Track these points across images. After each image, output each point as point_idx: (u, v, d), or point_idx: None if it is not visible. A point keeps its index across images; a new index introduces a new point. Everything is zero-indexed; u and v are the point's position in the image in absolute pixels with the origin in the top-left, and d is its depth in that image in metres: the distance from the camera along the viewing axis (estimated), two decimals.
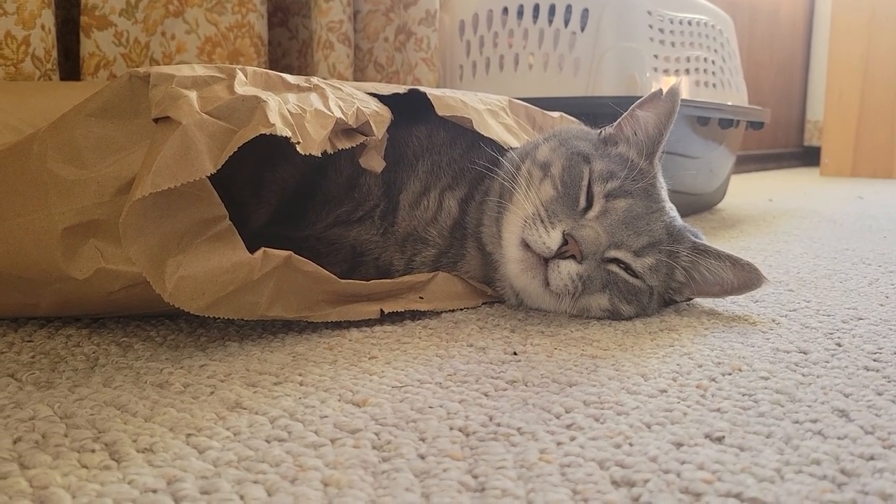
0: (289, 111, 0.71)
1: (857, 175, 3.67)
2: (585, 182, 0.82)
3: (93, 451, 0.49)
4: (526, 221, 0.81)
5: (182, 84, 0.67)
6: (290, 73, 1.60)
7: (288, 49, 1.70)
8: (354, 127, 0.79)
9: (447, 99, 0.92)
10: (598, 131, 0.93)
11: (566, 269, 0.78)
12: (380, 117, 0.83)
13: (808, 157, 4.49)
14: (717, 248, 0.85)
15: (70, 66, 1.36)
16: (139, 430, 0.52)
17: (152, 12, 1.37)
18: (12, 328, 0.76)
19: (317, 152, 0.71)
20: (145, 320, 0.80)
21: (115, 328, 0.77)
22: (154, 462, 0.47)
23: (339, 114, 0.76)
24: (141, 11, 1.36)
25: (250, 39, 1.47)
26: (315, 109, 0.74)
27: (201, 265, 0.66)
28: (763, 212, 1.99)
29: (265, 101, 0.68)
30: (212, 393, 0.59)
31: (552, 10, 1.55)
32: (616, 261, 0.81)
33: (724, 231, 1.57)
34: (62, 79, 1.33)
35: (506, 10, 1.61)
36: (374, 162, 0.83)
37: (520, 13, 1.60)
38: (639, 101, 0.90)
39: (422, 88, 0.91)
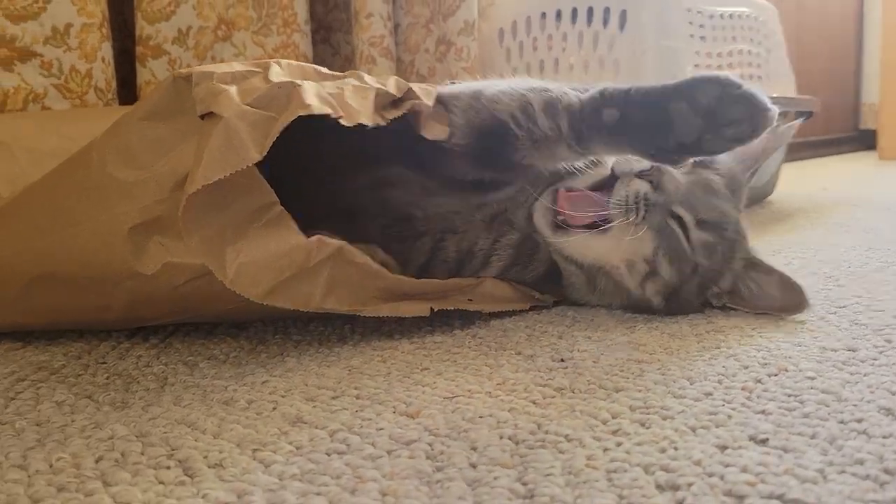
0: (327, 93, 0.73)
1: None
2: None
3: (168, 467, 0.53)
4: None
5: (222, 80, 0.71)
6: None
7: (331, 65, 1.74)
8: (399, 96, 0.81)
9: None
10: None
11: (635, 186, 0.83)
12: (425, 90, 0.85)
13: (864, 140, 4.37)
14: (770, 265, 0.86)
15: (127, 94, 1.42)
16: (209, 446, 0.56)
17: (202, 39, 1.43)
18: (86, 350, 0.81)
19: (368, 122, 0.74)
20: (208, 338, 0.84)
21: (180, 347, 0.81)
22: (224, 477, 0.51)
23: (378, 85, 0.79)
24: (191, 38, 1.41)
25: (296, 58, 1.51)
26: (354, 86, 0.77)
27: (260, 250, 0.70)
28: (816, 202, 1.96)
29: (300, 86, 0.71)
30: (274, 408, 0.63)
31: (590, 12, 1.56)
32: (678, 218, 0.84)
33: (775, 225, 1.56)
34: (121, 105, 1.39)
35: (544, 14, 1.62)
36: (437, 130, 0.84)
37: (558, 17, 1.61)
38: None
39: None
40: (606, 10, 1.55)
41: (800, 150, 3.73)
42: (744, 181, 0.93)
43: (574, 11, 1.58)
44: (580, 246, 0.87)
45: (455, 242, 0.90)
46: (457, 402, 0.62)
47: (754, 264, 0.87)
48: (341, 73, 0.82)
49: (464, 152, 0.86)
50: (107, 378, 0.73)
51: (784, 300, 0.84)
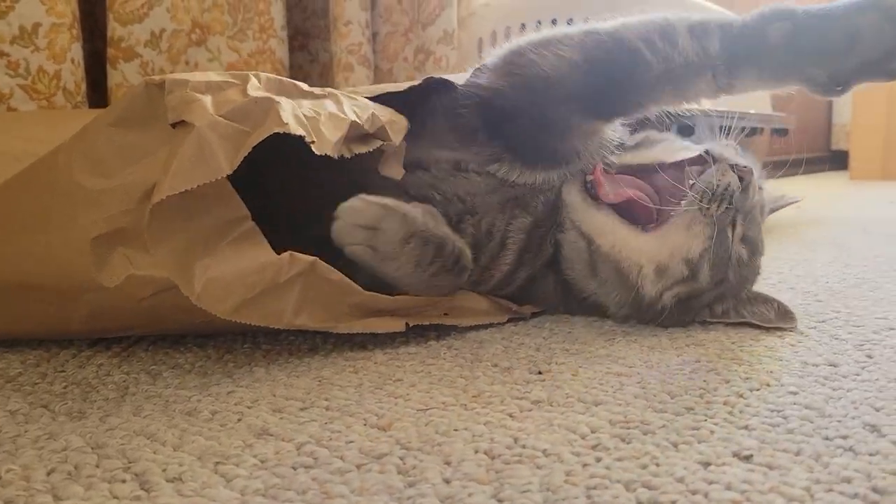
0: (303, 114, 0.72)
1: (887, 178, 3.61)
2: None
3: (123, 481, 0.50)
4: None
5: (196, 89, 0.68)
6: None
7: (309, 72, 1.72)
8: (371, 132, 0.79)
9: (463, 76, 0.92)
10: None
11: (728, 177, 0.79)
12: (396, 125, 0.83)
13: (837, 160, 4.43)
14: (767, 295, 0.86)
15: (98, 97, 1.39)
16: (168, 459, 0.53)
17: (176, 42, 1.40)
18: (44, 358, 0.78)
19: (332, 153, 0.72)
20: (174, 347, 0.81)
21: (144, 356, 0.78)
22: (183, 491, 0.48)
23: (354, 117, 0.76)
24: (165, 42, 1.39)
25: (272, 64, 1.49)
26: (329, 113, 0.75)
27: (229, 266, 0.68)
28: (791, 219, 1.96)
29: (278, 103, 0.69)
30: (239, 420, 0.60)
31: (570, 23, 1.56)
32: (735, 227, 0.81)
33: None
34: (91, 109, 1.36)
35: (524, 26, 1.62)
36: (394, 170, 0.83)
37: (538, 28, 1.61)
38: None
39: (437, 75, 0.92)
40: (586, 23, 1.54)
41: (774, 168, 3.77)
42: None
43: (554, 22, 1.58)
44: (617, 238, 0.82)
45: (473, 224, 0.86)
46: (430, 414, 0.60)
47: (759, 298, 0.86)
48: (320, 91, 0.79)
49: (575, 94, 0.78)
50: (64, 387, 0.70)
51: (777, 320, 0.84)
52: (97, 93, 1.37)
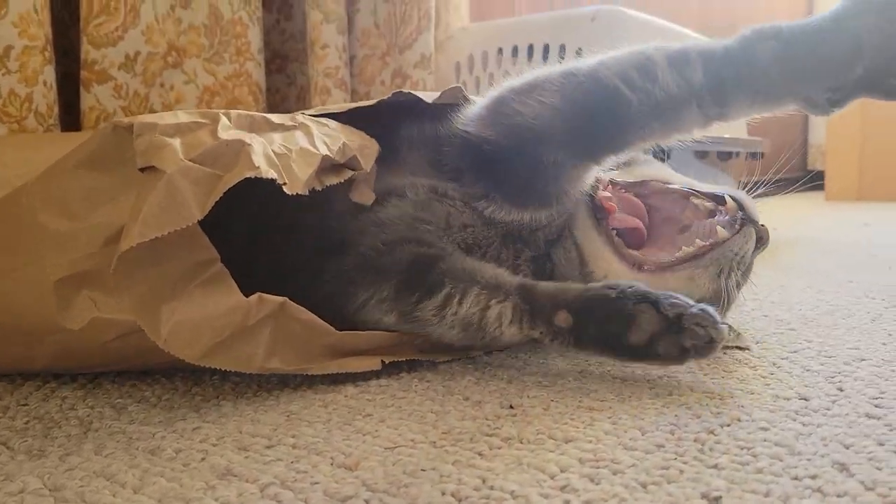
0: (274, 152, 0.71)
1: (862, 199, 3.66)
2: None
3: None
4: None
5: (165, 132, 0.68)
6: None
7: (286, 95, 1.72)
8: (342, 162, 0.79)
9: (432, 94, 0.92)
10: None
11: (752, 242, 0.85)
12: (367, 150, 0.83)
13: (813, 181, 4.47)
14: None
15: (71, 119, 1.37)
16: (127, 502, 0.52)
17: (151, 65, 1.39)
18: (8, 391, 0.76)
19: (303, 192, 0.71)
20: (141, 379, 0.79)
21: (110, 388, 0.77)
22: None
23: (325, 150, 0.76)
24: (140, 65, 1.38)
25: (248, 88, 1.49)
26: (300, 148, 0.74)
27: (196, 310, 0.67)
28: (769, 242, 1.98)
29: (249, 145, 0.68)
30: (203, 459, 0.59)
31: (546, 50, 1.57)
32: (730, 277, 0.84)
33: None
34: (63, 132, 1.34)
35: (500, 50, 1.62)
36: (365, 196, 0.82)
37: (514, 53, 1.61)
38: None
39: (405, 90, 0.92)
40: (562, 48, 1.55)
41: (750, 189, 3.80)
42: None
43: (530, 48, 1.58)
44: (611, 270, 0.83)
45: (480, 256, 0.85)
46: (399, 452, 0.59)
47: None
48: (291, 122, 0.78)
49: (562, 140, 0.78)
50: (26, 422, 0.68)
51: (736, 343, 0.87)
52: (70, 115, 1.36)
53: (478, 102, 0.86)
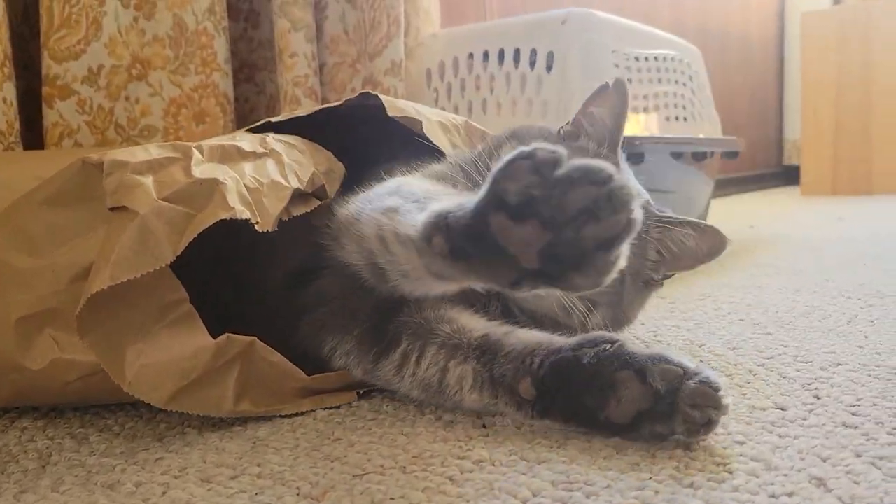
0: (246, 186, 0.70)
1: (837, 193, 3.68)
2: None
3: None
4: None
5: (137, 170, 0.66)
6: None
7: (256, 104, 1.69)
8: (310, 192, 0.78)
9: (399, 103, 0.91)
10: (558, 129, 0.92)
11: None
12: (333, 175, 0.83)
13: (789, 176, 4.51)
14: (679, 217, 0.85)
15: (33, 136, 1.34)
16: None
17: (115, 78, 1.36)
18: None
19: (273, 228, 0.70)
20: (104, 406, 0.77)
21: (72, 417, 0.75)
22: None
23: (295, 182, 0.76)
24: (103, 78, 1.35)
25: (216, 99, 1.46)
26: (272, 181, 0.73)
27: (163, 352, 0.65)
28: (743, 240, 1.98)
29: (223, 184, 0.67)
30: (164, 493, 0.57)
31: (517, 54, 1.55)
32: None
33: (704, 266, 1.56)
34: (25, 150, 1.31)
35: (471, 55, 1.61)
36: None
37: (485, 58, 1.60)
38: (590, 97, 0.91)
39: (373, 92, 0.90)
40: (533, 52, 1.54)
41: (726, 186, 3.82)
42: None
43: (501, 53, 1.57)
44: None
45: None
46: (367, 480, 0.57)
47: (667, 222, 0.83)
48: (261, 146, 0.77)
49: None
50: None
51: (707, 246, 0.85)
52: (32, 132, 1.32)
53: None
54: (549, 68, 1.53)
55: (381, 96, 0.90)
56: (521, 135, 0.89)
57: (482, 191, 0.53)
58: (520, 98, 1.55)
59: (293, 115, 0.88)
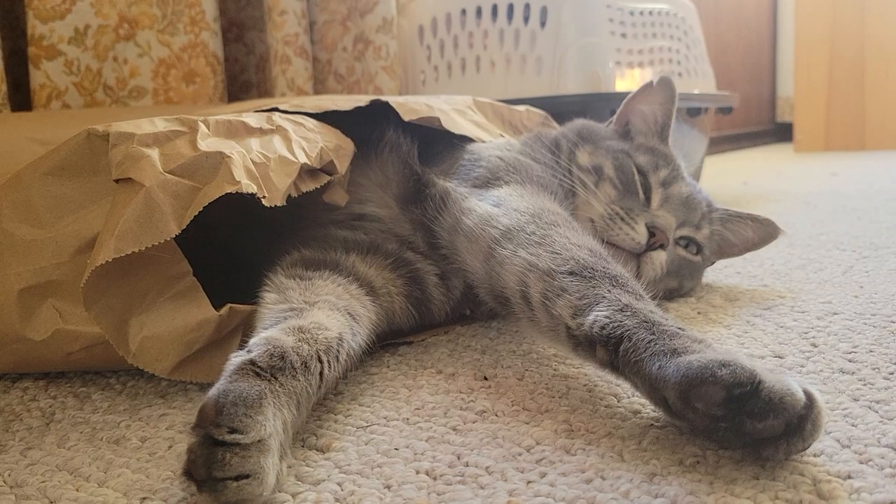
0: (253, 161, 0.69)
1: (830, 149, 3.68)
2: (637, 176, 0.87)
3: None
4: (601, 220, 0.83)
5: (143, 142, 0.65)
6: (250, 90, 1.56)
7: (246, 65, 1.67)
8: (319, 168, 0.77)
9: (410, 104, 0.90)
10: (606, 124, 1.00)
11: (658, 260, 0.83)
12: (342, 151, 0.81)
13: (782, 133, 4.51)
14: (738, 210, 0.96)
15: (21, 98, 1.32)
16: (91, 497, 0.50)
17: (102, 38, 1.34)
18: None
19: (282, 203, 0.69)
20: None
21: (73, 377, 0.75)
22: None
23: (303, 158, 0.74)
24: (90, 38, 1.33)
25: (205, 59, 1.44)
26: (279, 156, 0.72)
27: (165, 324, 0.65)
28: (738, 196, 1.98)
29: (229, 157, 0.66)
30: (170, 447, 0.57)
31: (510, 9, 1.53)
32: (682, 238, 0.89)
33: None
34: (13, 111, 1.29)
35: (464, 11, 1.59)
36: (338, 196, 0.81)
37: (478, 14, 1.58)
38: (633, 95, 0.99)
39: (384, 98, 0.89)
40: (527, 7, 1.52)
41: (720, 143, 3.81)
42: None
43: (494, 8, 1.55)
44: None
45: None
46: (371, 431, 0.58)
47: (732, 215, 0.95)
48: (269, 125, 0.75)
49: None
50: None
51: (759, 236, 0.96)
52: (19, 94, 1.31)
53: (462, 202, 0.78)
54: (542, 24, 1.51)
55: (391, 101, 0.88)
56: (590, 137, 0.94)
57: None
58: (513, 54, 1.53)
59: (300, 109, 0.86)
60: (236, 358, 0.54)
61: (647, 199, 0.87)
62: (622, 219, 0.82)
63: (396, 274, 0.79)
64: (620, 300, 0.57)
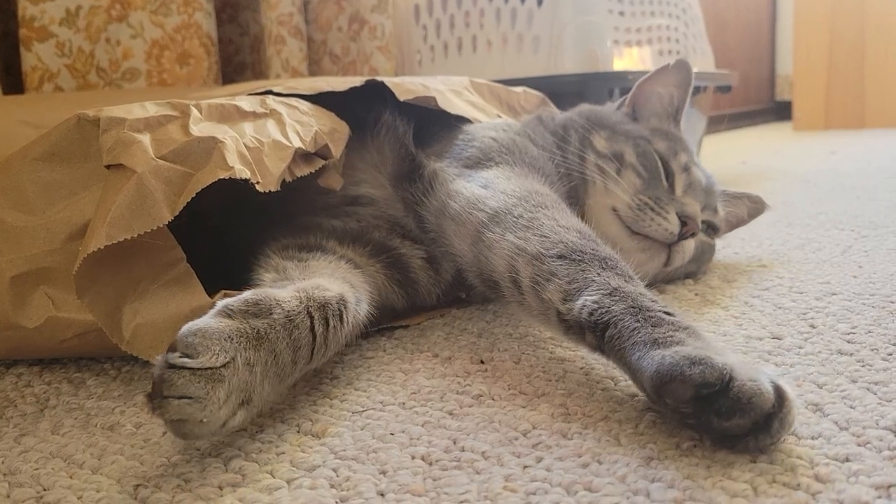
0: (246, 146, 0.68)
1: (829, 127, 3.67)
2: (659, 162, 0.86)
3: None
4: (628, 211, 0.82)
5: (134, 128, 0.64)
6: (244, 71, 1.54)
7: (240, 46, 1.66)
8: (314, 152, 0.76)
9: (406, 84, 0.89)
10: (617, 105, 0.99)
11: (689, 248, 0.84)
12: (337, 134, 0.80)
13: (781, 111, 4.48)
14: (736, 191, 0.99)
15: (12, 80, 1.31)
16: (85, 484, 0.50)
17: (94, 19, 1.32)
18: None
19: (276, 188, 0.69)
20: None
21: (68, 363, 0.74)
22: None
23: (297, 142, 0.73)
24: (82, 19, 1.31)
25: (199, 40, 1.43)
26: (273, 141, 0.71)
27: (159, 311, 0.64)
28: (736, 176, 1.97)
29: (222, 142, 0.65)
30: (164, 434, 0.57)
31: None
32: (703, 223, 0.88)
33: None
34: (5, 94, 1.28)
35: None
36: (333, 180, 0.80)
37: None
38: (648, 77, 0.98)
39: (379, 78, 0.88)
40: None
41: (718, 122, 3.80)
42: None
43: None
44: None
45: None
46: (367, 416, 0.57)
47: (732, 195, 0.97)
48: (262, 106, 0.74)
49: None
50: None
51: (749, 212, 0.99)
52: (11, 76, 1.29)
53: (450, 183, 0.77)
54: (539, 2, 1.50)
55: (386, 81, 0.87)
56: (604, 123, 0.92)
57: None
58: (510, 33, 1.52)
59: (294, 91, 0.85)
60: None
61: (671, 186, 0.86)
62: (652, 209, 0.81)
63: (376, 259, 0.78)
64: (609, 284, 0.57)
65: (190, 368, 0.48)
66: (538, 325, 0.69)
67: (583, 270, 0.59)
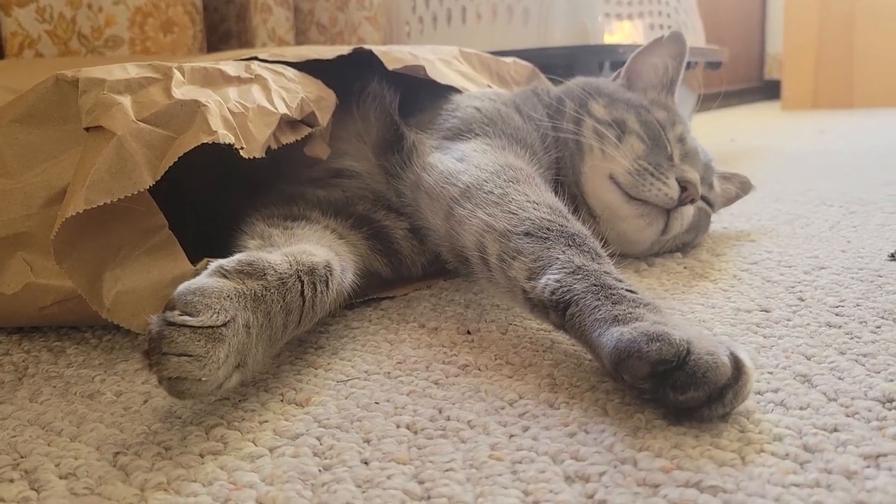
0: (230, 111, 0.66)
1: (817, 107, 3.67)
2: (662, 131, 0.86)
3: (11, 480, 0.46)
4: (627, 176, 0.81)
5: (114, 89, 0.62)
6: (230, 40, 1.51)
7: (226, 14, 1.63)
8: (299, 119, 0.74)
9: (395, 53, 0.88)
10: (613, 79, 0.99)
11: (687, 214, 0.84)
12: (324, 102, 0.78)
13: (770, 90, 4.48)
14: (728, 171, 1.01)
15: None
16: (63, 451, 0.49)
17: None
18: None
19: (261, 154, 0.67)
20: None
21: (47, 331, 0.73)
22: (76, 490, 0.44)
23: (283, 108, 0.71)
24: None
25: (183, 7, 1.40)
26: (258, 106, 0.69)
27: (141, 278, 0.63)
28: (725, 153, 1.97)
29: (205, 105, 0.63)
30: (145, 402, 0.56)
31: None
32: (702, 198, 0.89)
33: None
34: None
35: None
36: (319, 149, 0.78)
37: None
38: (643, 49, 0.98)
39: (367, 46, 0.87)
40: None
41: (708, 100, 3.78)
42: None
43: None
44: (637, 249, 0.90)
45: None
46: (352, 385, 0.57)
47: (725, 175, 0.99)
48: (247, 74, 0.72)
49: None
50: None
51: (738, 190, 1.01)
52: None
53: (434, 165, 0.75)
54: None
55: (374, 50, 0.85)
56: (603, 91, 0.91)
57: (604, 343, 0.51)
58: (500, 5, 1.50)
59: (280, 58, 0.83)
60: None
61: (670, 155, 0.86)
62: (652, 174, 0.81)
63: (359, 230, 0.77)
64: (573, 262, 0.57)
65: (190, 326, 0.48)
66: (508, 302, 0.69)
67: (548, 248, 0.58)
